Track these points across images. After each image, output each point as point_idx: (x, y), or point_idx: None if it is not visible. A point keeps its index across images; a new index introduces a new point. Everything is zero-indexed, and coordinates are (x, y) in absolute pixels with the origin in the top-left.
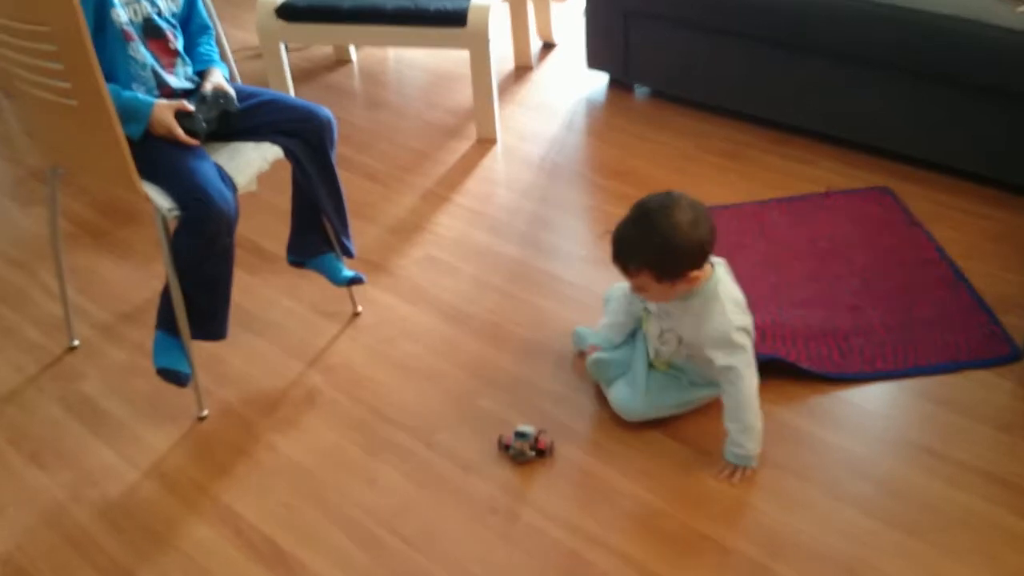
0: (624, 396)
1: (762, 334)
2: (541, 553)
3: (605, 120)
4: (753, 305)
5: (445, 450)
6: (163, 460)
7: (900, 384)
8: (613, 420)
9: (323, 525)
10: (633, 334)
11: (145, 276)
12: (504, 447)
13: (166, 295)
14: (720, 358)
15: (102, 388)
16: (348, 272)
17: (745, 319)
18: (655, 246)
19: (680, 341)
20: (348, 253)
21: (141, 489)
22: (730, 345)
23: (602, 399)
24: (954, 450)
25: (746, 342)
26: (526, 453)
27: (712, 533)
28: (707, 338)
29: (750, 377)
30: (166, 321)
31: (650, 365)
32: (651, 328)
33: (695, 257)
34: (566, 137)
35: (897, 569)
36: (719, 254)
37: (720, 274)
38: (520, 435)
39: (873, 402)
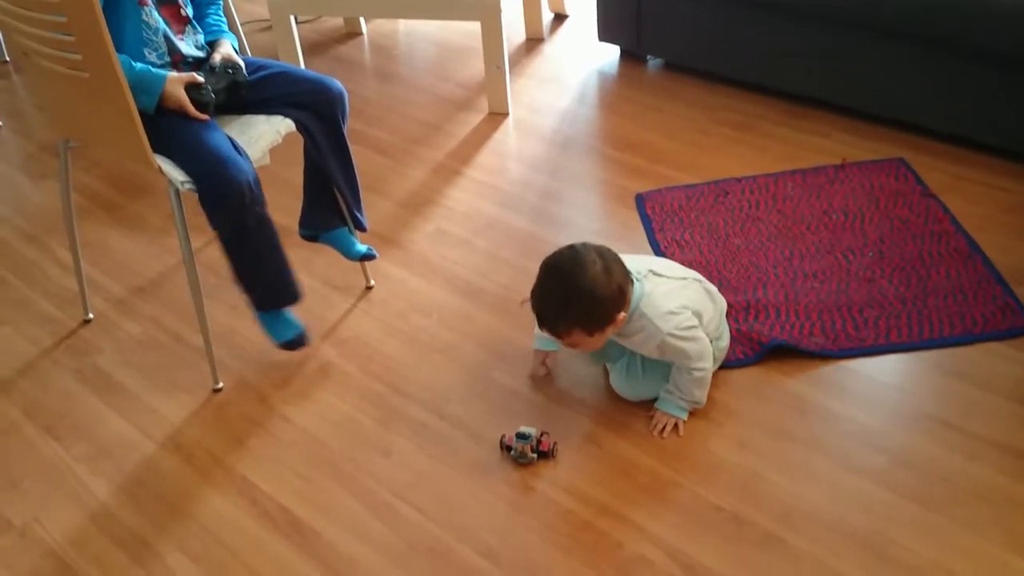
0: (621, 384)
1: (776, 309)
2: (555, 524)
3: (617, 92)
4: (765, 277)
5: (458, 422)
6: (179, 432)
7: (914, 356)
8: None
9: (338, 495)
10: None
11: (158, 250)
12: (505, 448)
13: (237, 282)
14: (681, 363)
15: (117, 361)
16: (361, 247)
17: (679, 317)
18: (580, 308)
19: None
20: (361, 227)
21: (157, 460)
22: (676, 350)
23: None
24: (969, 423)
25: (692, 335)
26: (527, 455)
27: (725, 504)
28: (658, 352)
29: (711, 363)
30: (254, 302)
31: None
32: (619, 341)
33: (618, 302)
34: (578, 110)
35: (913, 542)
36: (734, 228)
37: (647, 291)
38: (521, 436)
39: (887, 374)
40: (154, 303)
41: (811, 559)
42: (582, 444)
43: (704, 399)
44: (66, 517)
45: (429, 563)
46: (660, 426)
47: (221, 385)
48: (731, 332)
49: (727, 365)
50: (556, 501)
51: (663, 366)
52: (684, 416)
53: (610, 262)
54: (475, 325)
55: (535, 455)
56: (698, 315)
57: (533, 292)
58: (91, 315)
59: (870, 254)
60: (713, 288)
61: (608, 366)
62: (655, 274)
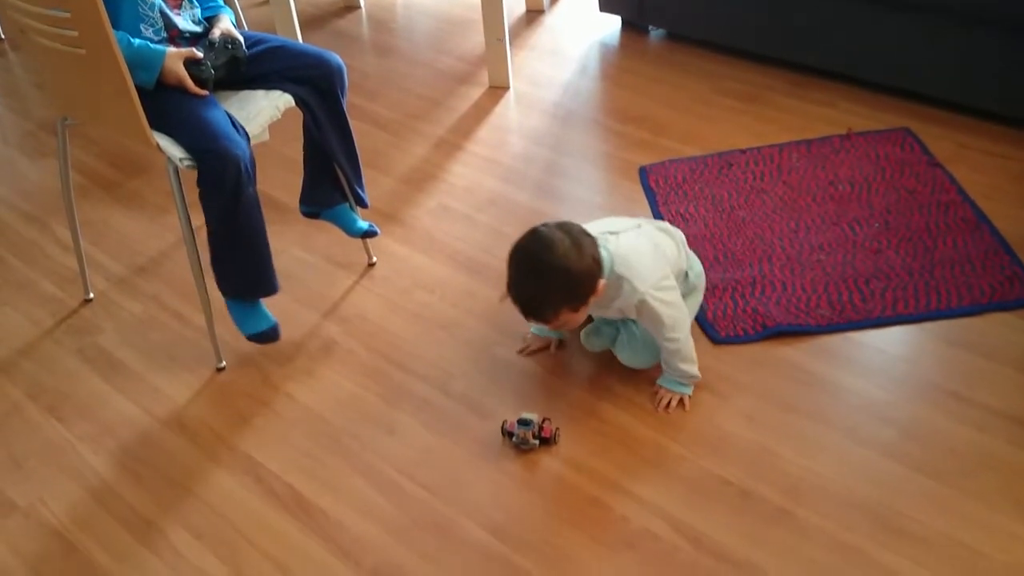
0: (629, 356)
1: (782, 283)
2: (561, 499)
3: (619, 64)
4: (771, 250)
5: (463, 398)
6: (182, 411)
7: (922, 327)
8: (629, 369)
9: (344, 473)
10: None
11: (158, 228)
12: (507, 434)
13: (215, 265)
14: (655, 330)
15: (118, 340)
16: (363, 224)
17: (656, 275)
18: (561, 288)
19: (634, 321)
20: (362, 203)
21: (161, 439)
22: (653, 315)
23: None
24: (978, 393)
25: (669, 298)
26: (529, 441)
27: (732, 478)
28: (635, 312)
29: (685, 334)
30: (229, 289)
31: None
32: (605, 315)
33: (594, 272)
34: (580, 82)
35: (923, 514)
36: (739, 200)
37: (613, 252)
38: (523, 423)
39: (895, 346)
40: (155, 282)
41: (820, 532)
42: (587, 419)
43: (695, 371)
44: (70, 497)
45: (435, 539)
46: (664, 402)
47: (224, 364)
48: (736, 309)
49: (731, 340)
50: (562, 476)
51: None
52: (687, 391)
53: (576, 235)
54: (478, 301)
55: (537, 441)
56: (665, 258)
57: (509, 286)
58: (92, 294)
59: (876, 225)
60: (664, 223)
61: (613, 350)
62: (611, 233)
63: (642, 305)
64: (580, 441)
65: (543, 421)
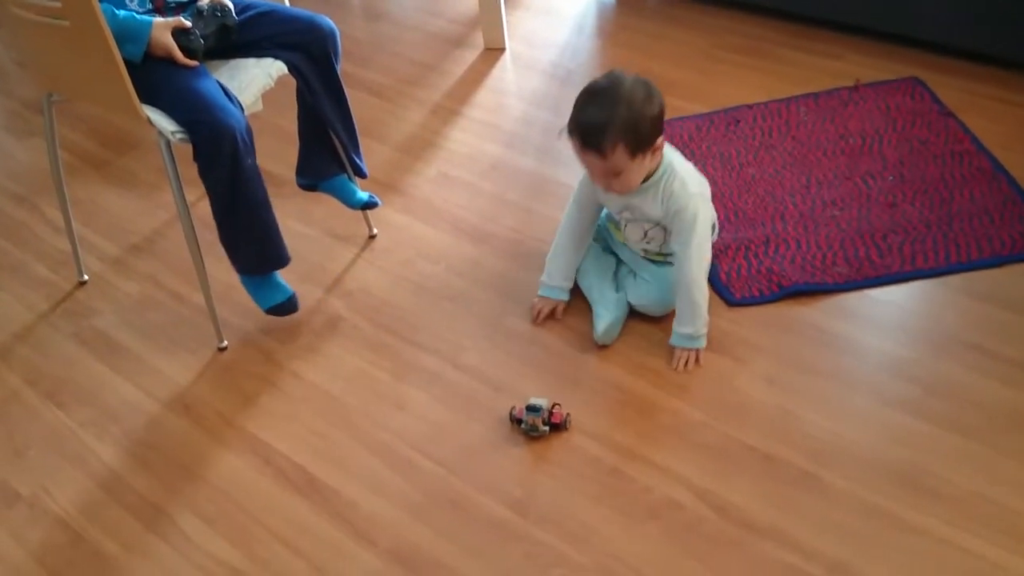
0: (644, 293)
1: (796, 241)
2: (581, 471)
3: (617, 21)
4: (783, 207)
5: (474, 371)
6: (185, 392)
7: (942, 281)
8: (644, 336)
9: (354, 451)
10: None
11: (151, 205)
12: (516, 421)
13: (224, 242)
14: (678, 232)
15: (116, 322)
16: (363, 195)
17: (703, 186)
18: (623, 117)
19: (666, 232)
20: (361, 173)
21: (165, 423)
22: (691, 216)
23: (633, 312)
24: (1004, 347)
25: (707, 207)
26: (539, 428)
27: (755, 443)
28: (669, 212)
29: (706, 250)
30: (241, 265)
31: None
32: (631, 235)
33: (658, 121)
34: (577, 41)
35: (954, 473)
36: (747, 157)
37: (668, 150)
38: (532, 409)
39: (915, 302)
40: (151, 261)
41: (847, 496)
42: (604, 388)
43: (706, 313)
44: (74, 485)
45: (453, 516)
46: (682, 361)
47: (226, 344)
48: (750, 270)
49: (747, 302)
50: (581, 448)
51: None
52: (701, 344)
53: (650, 87)
54: (485, 270)
55: (547, 428)
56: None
57: (572, 119)
58: (86, 276)
59: (890, 178)
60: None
61: (626, 293)
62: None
63: (685, 209)
64: (598, 412)
65: (553, 406)
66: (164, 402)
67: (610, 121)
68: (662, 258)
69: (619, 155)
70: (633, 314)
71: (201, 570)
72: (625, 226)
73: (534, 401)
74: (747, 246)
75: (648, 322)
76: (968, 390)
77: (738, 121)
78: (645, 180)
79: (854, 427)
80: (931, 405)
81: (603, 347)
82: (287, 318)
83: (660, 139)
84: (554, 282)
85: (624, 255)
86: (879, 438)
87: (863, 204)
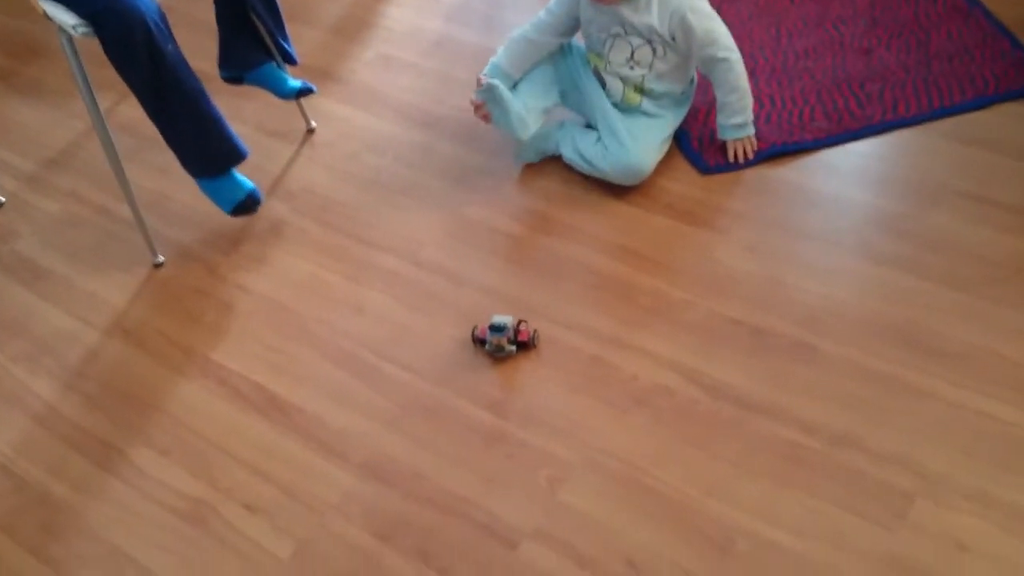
0: (616, 153)
1: (770, 98)
2: (561, 364)
3: None
4: (752, 62)
5: (435, 266)
6: (124, 316)
7: (927, 128)
8: (616, 215)
9: (314, 363)
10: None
11: (64, 115)
12: (479, 342)
13: (171, 145)
14: (698, 34)
15: (39, 245)
16: (295, 82)
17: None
18: None
19: (654, 52)
20: (290, 59)
21: (104, 351)
22: (702, 29)
23: (598, 187)
24: (995, 192)
25: (714, 15)
26: (504, 348)
27: (742, 316)
28: (677, 29)
29: (738, 54)
30: (195, 168)
31: (615, 107)
32: (615, 57)
33: None
34: None
35: (956, 329)
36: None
37: None
38: (496, 329)
39: (900, 152)
40: (70, 175)
41: (846, 363)
42: (577, 273)
43: (748, 85)
44: (11, 426)
45: (428, 424)
46: (739, 152)
47: (162, 259)
48: None
49: (722, 168)
50: (558, 339)
51: (645, 120)
52: (752, 131)
53: None
54: (437, 157)
55: (514, 347)
56: None
57: None
58: (1, 198)
59: (863, 22)
60: None
61: (578, 155)
62: None
63: (687, 21)
64: (572, 300)
65: (519, 324)
66: (101, 328)
67: None
68: (637, 99)
69: None
70: (602, 192)
71: (161, 505)
72: (610, 49)
73: (497, 319)
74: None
75: (618, 199)
76: (963, 240)
77: None
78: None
79: (845, 289)
80: (925, 259)
81: (570, 226)
82: (226, 226)
83: None
84: (496, 59)
85: (598, 111)
86: (873, 299)
87: (837, 52)
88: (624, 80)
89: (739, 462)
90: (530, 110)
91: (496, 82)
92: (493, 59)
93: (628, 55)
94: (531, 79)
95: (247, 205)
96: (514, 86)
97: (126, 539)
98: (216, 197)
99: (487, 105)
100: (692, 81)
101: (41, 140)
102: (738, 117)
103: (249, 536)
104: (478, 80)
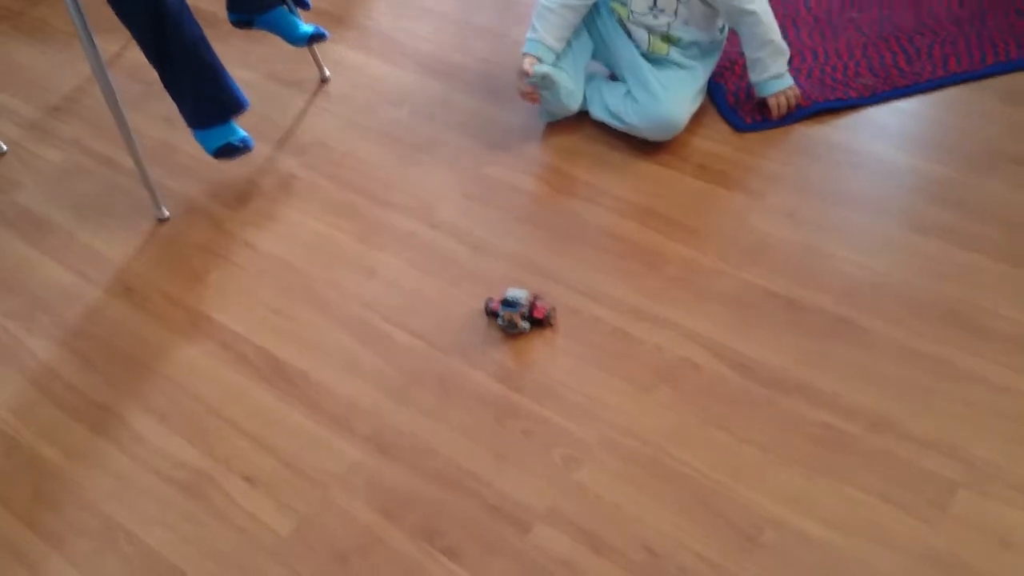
0: (647, 105)
1: (812, 52)
2: (581, 336)
3: None
4: (794, 12)
5: (451, 228)
6: (125, 273)
7: (979, 87)
8: (641, 172)
9: (322, 328)
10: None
11: (70, 58)
12: (492, 314)
13: (171, 94)
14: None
15: (41, 196)
16: (307, 27)
17: None
18: None
19: (679, 4)
20: (303, 3)
21: (104, 309)
22: None
23: (626, 146)
24: None
25: None
26: (518, 325)
27: (778, 288)
28: None
29: (765, 2)
30: (194, 119)
31: (644, 58)
32: (637, 6)
33: None
34: None
35: (1008, 308)
36: None
37: None
38: (508, 304)
39: (949, 112)
40: (74, 123)
41: (888, 342)
42: (599, 238)
43: (784, 45)
44: (6, 386)
45: (438, 395)
46: (782, 105)
47: (167, 213)
48: None
49: (759, 126)
50: (577, 309)
51: (677, 72)
52: (791, 81)
53: None
54: (456, 111)
55: (527, 324)
56: None
57: None
58: (3, 146)
59: None
60: None
61: (605, 108)
62: None
63: None
64: (595, 267)
65: (534, 300)
66: (101, 285)
67: None
68: (664, 48)
69: None
70: (630, 151)
71: (156, 473)
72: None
73: (512, 293)
74: None
75: (647, 159)
76: (1015, 210)
77: None
78: None
79: (890, 261)
80: (973, 230)
81: (595, 187)
82: (235, 180)
83: None
84: (537, 36)
85: (627, 63)
86: (918, 272)
87: (884, 3)
88: (649, 29)
89: (769, 446)
90: (576, 79)
91: (548, 69)
92: (530, 35)
93: (651, 2)
94: (569, 45)
95: (231, 149)
96: (556, 58)
97: (119, 509)
98: (204, 141)
99: (538, 91)
100: (723, 29)
101: (45, 84)
102: (774, 68)
103: (248, 510)
104: (523, 71)
